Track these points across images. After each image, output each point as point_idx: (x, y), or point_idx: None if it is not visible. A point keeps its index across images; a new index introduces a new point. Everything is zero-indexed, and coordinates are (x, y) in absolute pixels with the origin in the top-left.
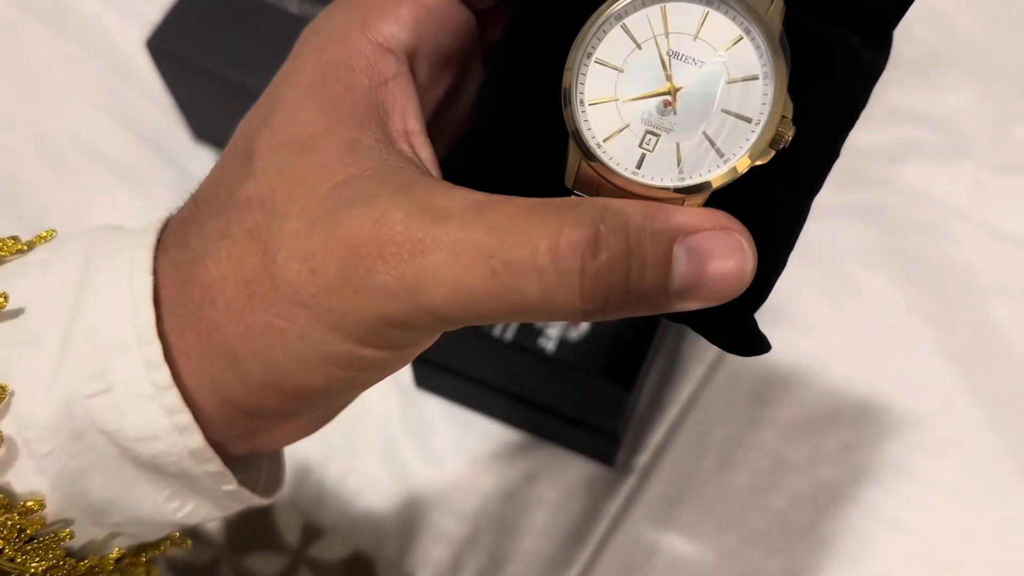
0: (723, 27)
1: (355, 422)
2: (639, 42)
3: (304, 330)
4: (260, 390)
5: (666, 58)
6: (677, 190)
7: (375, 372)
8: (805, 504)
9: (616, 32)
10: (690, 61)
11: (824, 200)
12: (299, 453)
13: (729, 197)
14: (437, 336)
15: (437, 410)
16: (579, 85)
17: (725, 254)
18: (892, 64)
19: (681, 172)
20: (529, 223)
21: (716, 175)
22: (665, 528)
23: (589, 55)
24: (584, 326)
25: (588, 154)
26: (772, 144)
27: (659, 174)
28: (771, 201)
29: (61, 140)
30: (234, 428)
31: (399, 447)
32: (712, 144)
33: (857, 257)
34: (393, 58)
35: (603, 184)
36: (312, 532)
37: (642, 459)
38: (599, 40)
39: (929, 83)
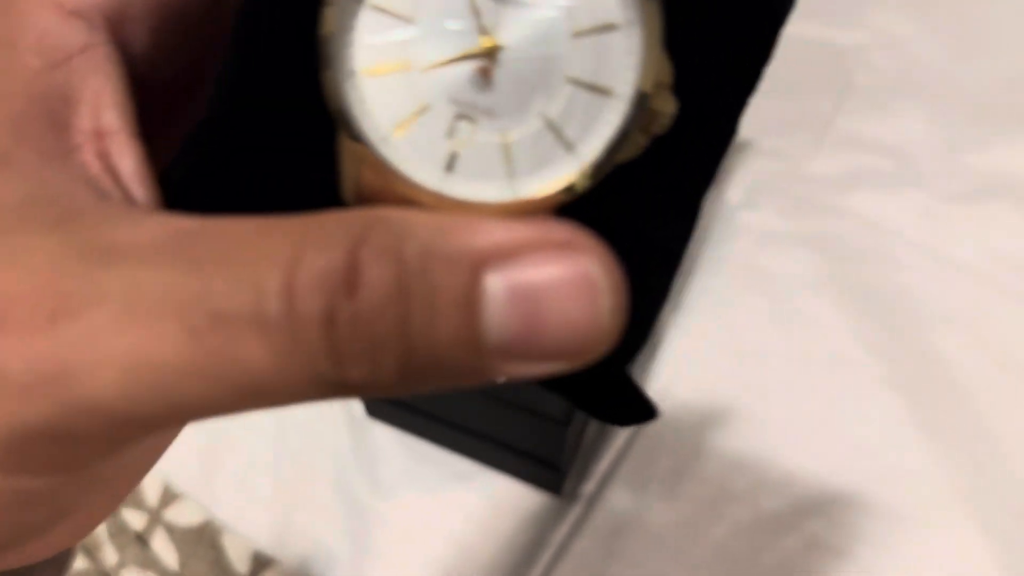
0: None
1: (305, 452)
2: None
3: None
4: None
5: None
6: (506, 206)
7: (53, 507)
8: (747, 534)
9: None
10: (515, 4)
11: (772, 227)
12: (249, 483)
13: (580, 203)
14: (158, 440)
15: (388, 439)
16: (346, 46)
17: (568, 286)
18: (846, 91)
19: (512, 177)
20: (257, 251)
21: (564, 180)
22: (610, 557)
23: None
24: None
25: (368, 153)
26: (644, 128)
27: (478, 181)
28: (643, 204)
29: None
30: None
31: (349, 477)
32: (557, 132)
33: (805, 285)
34: (82, 24)
35: (396, 199)
36: (261, 562)
37: (588, 487)
38: None
39: (882, 111)
